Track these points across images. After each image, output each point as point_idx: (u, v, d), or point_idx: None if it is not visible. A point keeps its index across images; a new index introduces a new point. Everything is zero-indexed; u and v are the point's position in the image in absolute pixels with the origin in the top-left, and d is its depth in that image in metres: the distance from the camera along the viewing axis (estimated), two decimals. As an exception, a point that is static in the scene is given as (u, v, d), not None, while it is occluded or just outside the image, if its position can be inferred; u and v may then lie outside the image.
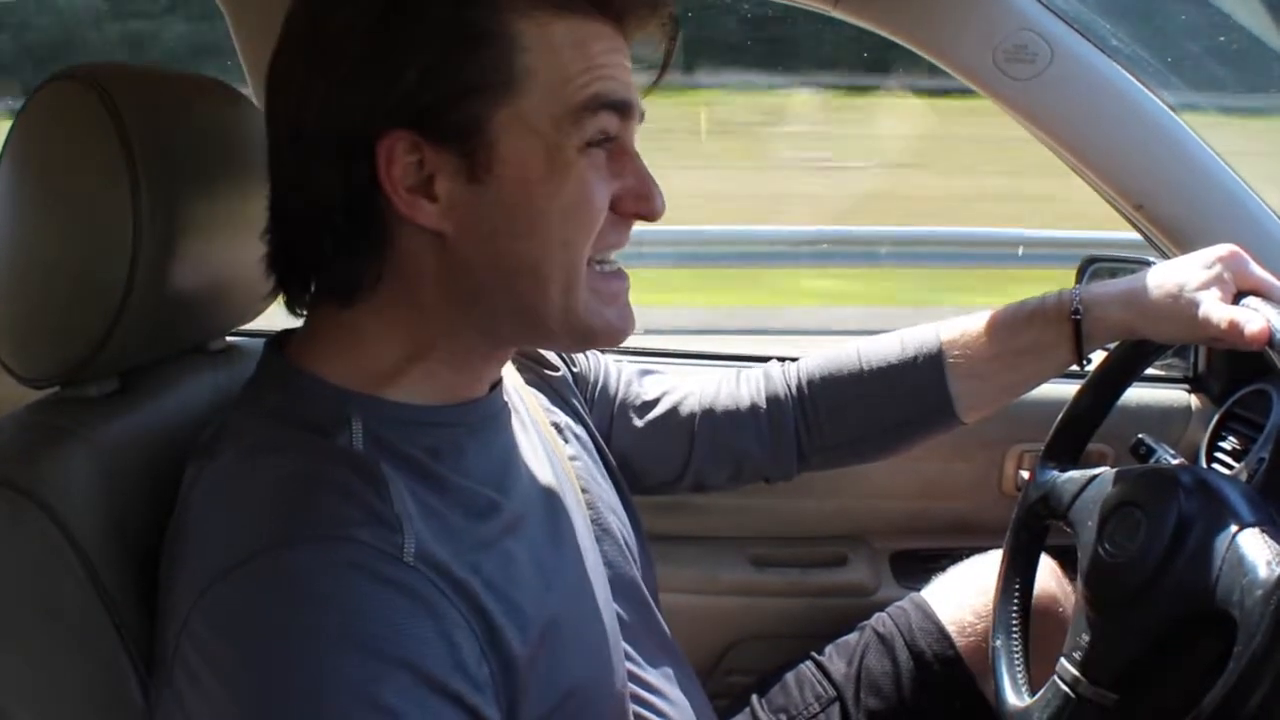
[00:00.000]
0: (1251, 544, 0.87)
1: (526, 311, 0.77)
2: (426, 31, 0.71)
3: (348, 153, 0.72)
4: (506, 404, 0.87)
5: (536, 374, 1.05)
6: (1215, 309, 0.96)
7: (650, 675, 0.97)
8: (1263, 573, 0.84)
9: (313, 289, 0.79)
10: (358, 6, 0.72)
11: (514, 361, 1.01)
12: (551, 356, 1.08)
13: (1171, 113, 1.35)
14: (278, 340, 0.82)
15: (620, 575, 0.98)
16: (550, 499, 0.87)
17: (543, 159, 0.73)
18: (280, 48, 0.76)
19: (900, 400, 1.11)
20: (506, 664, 0.73)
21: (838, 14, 1.36)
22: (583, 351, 0.81)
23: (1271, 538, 0.87)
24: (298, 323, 0.82)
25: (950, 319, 1.11)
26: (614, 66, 0.76)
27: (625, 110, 0.77)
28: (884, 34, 1.37)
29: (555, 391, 1.05)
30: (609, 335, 0.80)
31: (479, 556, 0.74)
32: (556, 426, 1.01)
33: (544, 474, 0.89)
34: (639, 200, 0.79)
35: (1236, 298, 0.97)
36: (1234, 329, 0.93)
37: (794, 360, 1.18)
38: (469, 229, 0.74)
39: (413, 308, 0.77)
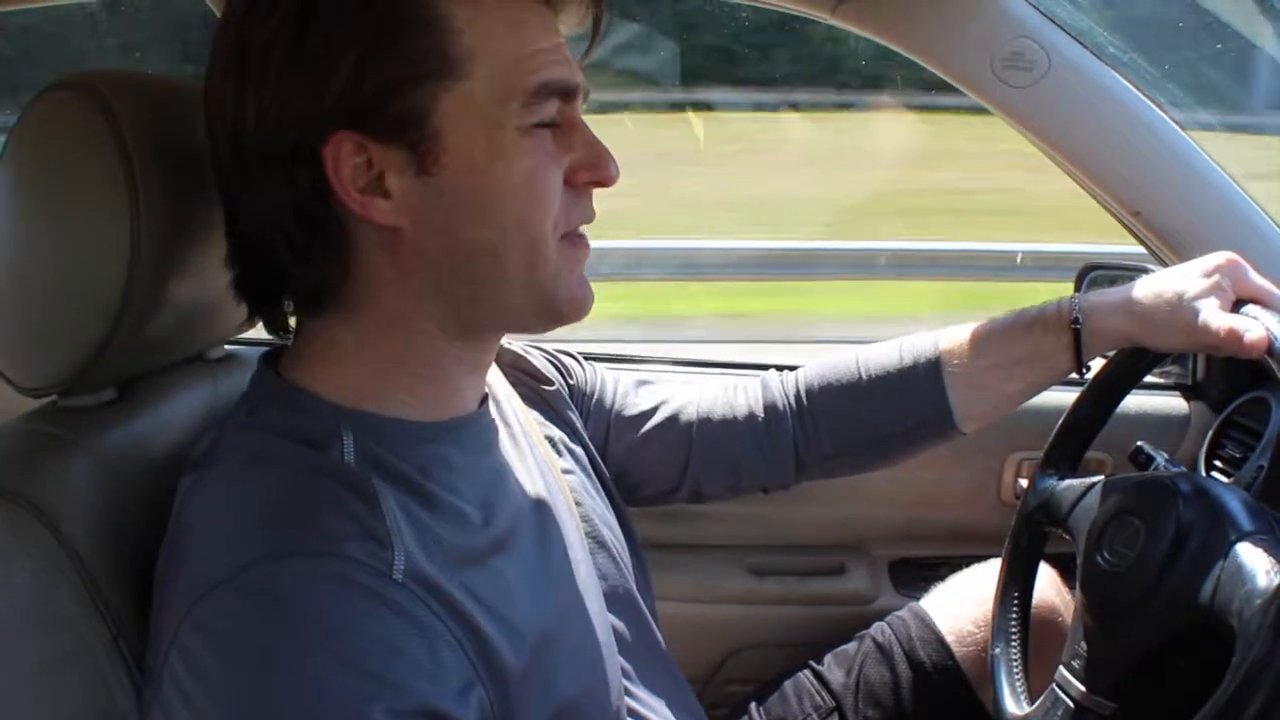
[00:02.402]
0: (1250, 553, 0.87)
1: (487, 297, 0.77)
2: (351, 27, 0.70)
3: (292, 161, 0.72)
4: (494, 421, 0.87)
5: (531, 389, 1.05)
6: (1214, 317, 0.96)
7: (645, 689, 0.97)
8: (1261, 582, 0.84)
9: (286, 306, 0.79)
10: (279, 12, 0.71)
11: (508, 376, 1.02)
12: (547, 371, 1.08)
13: (1169, 119, 1.35)
14: (271, 354, 0.82)
15: (615, 588, 0.98)
16: (542, 515, 0.87)
17: (488, 145, 0.73)
18: (212, 63, 0.75)
19: (899, 409, 1.10)
20: (499, 680, 0.72)
21: (835, 21, 1.36)
22: (549, 330, 0.82)
23: (1270, 547, 0.87)
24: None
25: (949, 328, 1.11)
26: (554, 50, 0.76)
27: (571, 94, 0.77)
28: (882, 41, 1.37)
29: (550, 406, 1.05)
30: (572, 308, 0.80)
31: (469, 573, 0.74)
32: (551, 441, 1.01)
33: (536, 490, 0.88)
34: (592, 169, 0.79)
35: (1235, 306, 0.97)
36: (1233, 337, 0.93)
37: (792, 369, 1.17)
38: (424, 221, 0.74)
39: (378, 311, 0.77)
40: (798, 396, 1.13)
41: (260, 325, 0.86)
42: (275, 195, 0.73)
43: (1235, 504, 0.92)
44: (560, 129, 0.77)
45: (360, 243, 0.75)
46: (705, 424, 1.13)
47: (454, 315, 0.78)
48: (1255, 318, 0.94)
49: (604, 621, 0.91)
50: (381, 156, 0.72)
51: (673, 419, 1.13)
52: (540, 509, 0.87)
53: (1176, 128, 1.36)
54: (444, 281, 0.76)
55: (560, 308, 0.80)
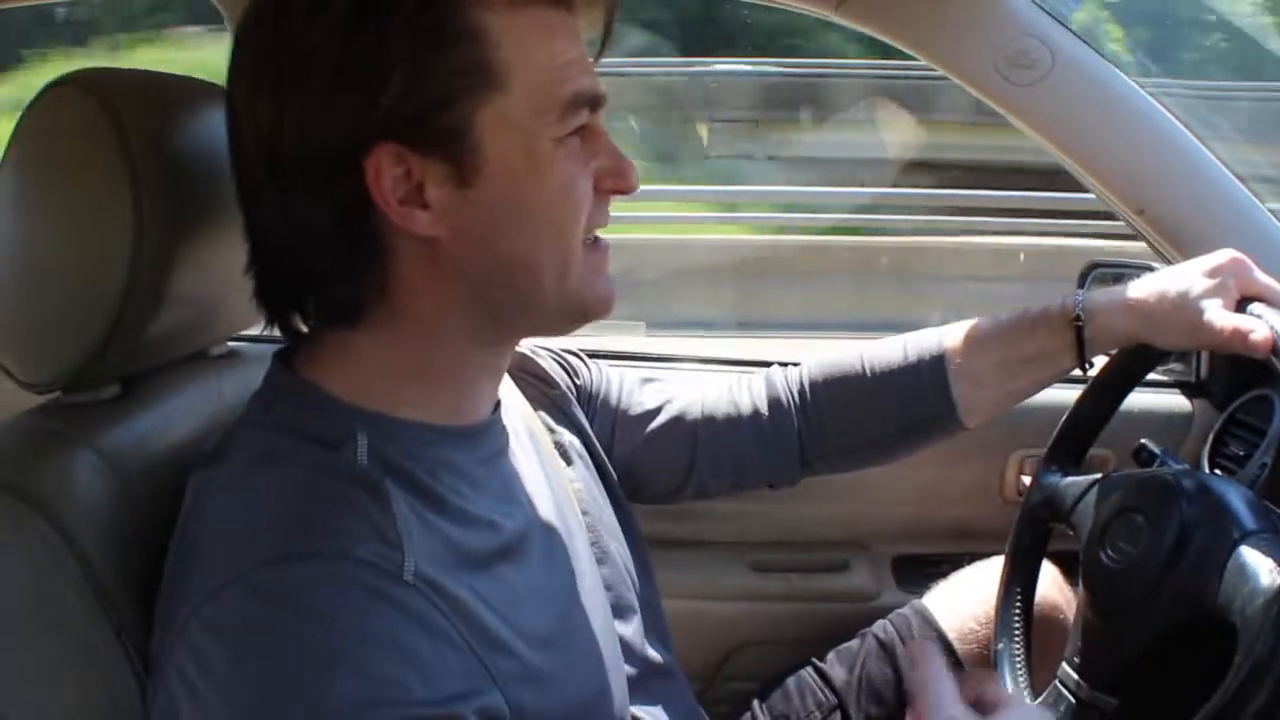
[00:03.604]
0: (1253, 553, 0.87)
1: (523, 304, 0.78)
2: (396, 41, 0.69)
3: (332, 174, 0.71)
4: (507, 427, 0.87)
5: (539, 391, 1.05)
6: (1219, 316, 0.95)
7: (648, 697, 0.97)
8: (1264, 581, 0.84)
9: (311, 311, 0.79)
10: (320, 24, 0.69)
11: (516, 380, 1.01)
12: (554, 372, 1.08)
13: (1173, 118, 1.35)
14: (284, 351, 0.81)
15: (620, 599, 0.98)
16: (550, 523, 0.87)
17: (527, 155, 0.74)
18: (237, 71, 0.74)
19: (903, 405, 1.11)
20: (505, 685, 0.72)
21: (839, 19, 1.36)
22: (576, 330, 0.82)
23: (1273, 547, 0.87)
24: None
25: (953, 324, 1.11)
26: (581, 60, 0.77)
27: (598, 103, 0.78)
28: (885, 39, 1.37)
29: (557, 407, 1.05)
30: (600, 307, 0.81)
31: (477, 577, 0.74)
32: (560, 447, 1.01)
33: (544, 498, 0.88)
34: (616, 178, 0.80)
35: (1240, 304, 0.97)
36: (1238, 336, 0.93)
37: (796, 365, 1.17)
38: (463, 232, 0.74)
39: (409, 320, 0.76)
40: (802, 392, 1.14)
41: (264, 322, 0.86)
42: (315, 208, 0.72)
43: (1238, 502, 0.92)
44: (587, 137, 0.77)
45: (398, 255, 0.74)
46: (710, 421, 1.13)
47: (487, 323, 0.78)
48: (1260, 316, 0.94)
49: (608, 631, 0.90)
50: (422, 168, 0.72)
51: (678, 417, 1.13)
52: (548, 518, 0.87)
53: (1181, 126, 1.36)
54: (480, 291, 0.76)
55: (590, 309, 0.80)
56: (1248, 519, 0.90)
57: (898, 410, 1.11)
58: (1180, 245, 1.36)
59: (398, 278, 0.75)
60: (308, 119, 0.70)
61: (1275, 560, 0.85)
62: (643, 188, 0.85)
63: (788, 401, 1.13)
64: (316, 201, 0.72)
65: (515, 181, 0.74)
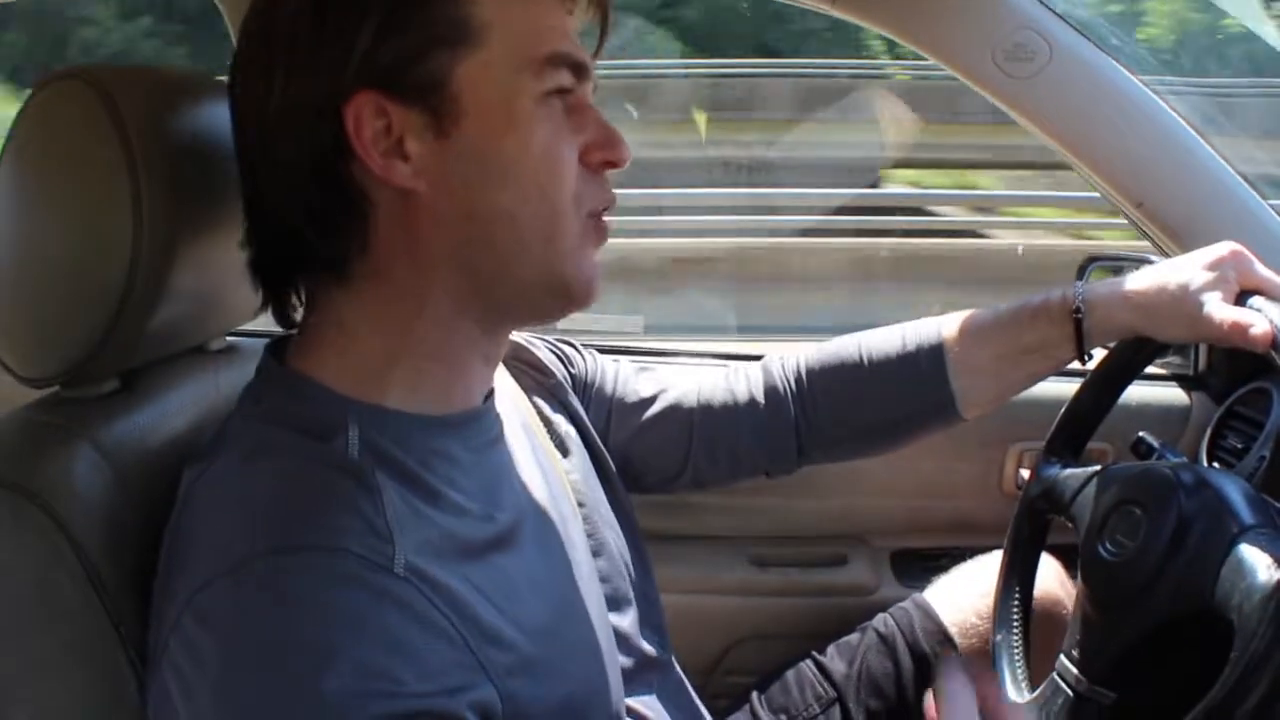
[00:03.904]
0: (1250, 549, 0.87)
1: (504, 269, 0.77)
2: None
3: (314, 123, 0.73)
4: (500, 416, 0.87)
5: (534, 380, 1.05)
6: (1219, 309, 0.95)
7: (645, 689, 0.97)
8: (1261, 577, 0.84)
9: (301, 290, 0.79)
10: None
11: (511, 370, 1.02)
12: (549, 361, 1.08)
13: (1171, 111, 1.35)
14: (276, 344, 0.82)
15: (616, 590, 0.98)
16: (544, 514, 0.87)
17: (506, 111, 0.75)
18: (238, 51, 0.77)
19: (901, 395, 1.11)
20: (499, 675, 0.72)
21: (836, 12, 1.36)
22: (563, 313, 0.81)
23: (1271, 542, 0.87)
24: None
25: (952, 314, 1.11)
26: (565, 29, 0.78)
27: (581, 70, 0.79)
28: (883, 32, 1.37)
29: (554, 396, 1.05)
30: (583, 289, 0.80)
31: (470, 567, 0.74)
32: (555, 437, 1.01)
33: (539, 488, 0.88)
34: (604, 149, 0.80)
35: (1240, 297, 0.97)
36: (1237, 330, 0.93)
37: (794, 355, 1.17)
38: (443, 185, 0.75)
39: (392, 286, 0.76)
40: (799, 380, 1.14)
41: (263, 318, 0.86)
42: (296, 158, 0.74)
43: (1236, 496, 0.92)
44: (573, 109, 0.78)
45: (379, 208, 0.75)
46: (706, 409, 1.13)
47: (469, 289, 0.77)
48: (1259, 310, 0.94)
49: (604, 621, 0.90)
50: (402, 119, 0.73)
51: (674, 405, 1.13)
52: (543, 507, 0.87)
53: (1179, 118, 1.36)
54: (460, 250, 0.76)
55: (572, 287, 0.80)
56: (1246, 513, 0.90)
57: (896, 400, 1.11)
58: (1179, 238, 1.36)
59: (378, 232, 0.75)
60: (292, 75, 0.73)
61: (1272, 556, 0.85)
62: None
63: (784, 389, 1.13)
64: (298, 150, 0.73)
65: (493, 135, 0.74)
